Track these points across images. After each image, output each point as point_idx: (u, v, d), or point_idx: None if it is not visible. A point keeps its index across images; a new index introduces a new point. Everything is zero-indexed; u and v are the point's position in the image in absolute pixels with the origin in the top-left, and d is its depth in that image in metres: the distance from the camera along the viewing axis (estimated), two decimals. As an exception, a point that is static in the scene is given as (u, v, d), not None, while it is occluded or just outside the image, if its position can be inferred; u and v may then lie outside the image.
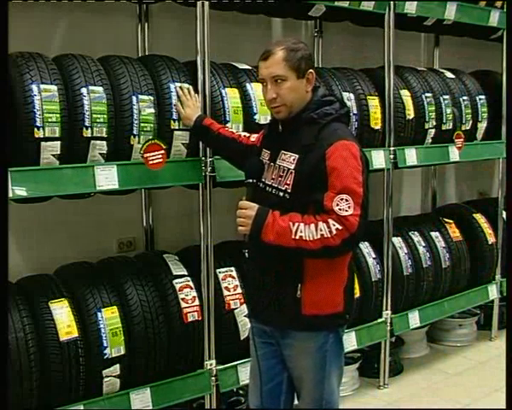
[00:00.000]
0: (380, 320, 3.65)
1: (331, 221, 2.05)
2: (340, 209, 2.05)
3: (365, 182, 2.13)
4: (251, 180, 2.29)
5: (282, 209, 2.13)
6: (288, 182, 2.17)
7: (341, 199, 2.06)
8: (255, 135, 2.57)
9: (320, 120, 2.19)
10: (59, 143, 2.42)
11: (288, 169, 2.18)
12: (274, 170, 2.24)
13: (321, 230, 2.05)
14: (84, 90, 2.48)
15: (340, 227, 2.04)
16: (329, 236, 2.04)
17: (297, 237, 2.06)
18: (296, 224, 2.07)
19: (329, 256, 2.13)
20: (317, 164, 2.11)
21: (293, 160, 2.18)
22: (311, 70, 2.23)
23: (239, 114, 2.91)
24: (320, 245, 2.05)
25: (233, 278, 3.02)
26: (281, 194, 2.19)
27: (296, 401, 2.43)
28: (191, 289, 2.85)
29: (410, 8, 3.60)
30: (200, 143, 2.82)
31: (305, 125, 2.20)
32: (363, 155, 2.19)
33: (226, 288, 2.98)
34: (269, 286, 2.25)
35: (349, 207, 2.05)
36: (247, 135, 2.62)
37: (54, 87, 2.42)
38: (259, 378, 2.40)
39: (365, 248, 3.61)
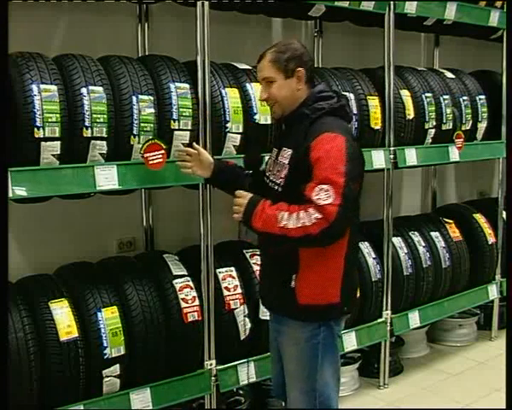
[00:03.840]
0: (380, 320, 3.65)
1: (311, 210, 2.09)
2: (318, 199, 2.09)
3: (351, 173, 2.12)
4: (246, 171, 2.51)
5: (278, 201, 2.21)
6: (282, 176, 2.27)
7: (321, 189, 2.10)
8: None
9: (311, 115, 2.25)
10: (59, 143, 2.42)
11: (284, 164, 2.27)
12: (275, 166, 2.34)
13: (302, 218, 2.10)
14: (84, 90, 2.48)
15: (319, 216, 2.08)
16: (309, 224, 2.09)
17: (281, 225, 2.13)
18: (282, 212, 2.15)
19: (312, 245, 2.18)
20: (304, 157, 2.17)
21: (288, 155, 2.27)
22: (299, 68, 2.28)
23: (239, 114, 2.91)
24: (302, 233, 2.10)
25: (233, 278, 3.02)
26: (276, 187, 2.29)
27: None
28: (191, 289, 2.85)
29: (410, 8, 3.60)
30: (201, 144, 2.82)
31: (299, 120, 2.27)
32: (355, 147, 2.21)
33: (226, 288, 2.98)
34: (269, 274, 2.39)
35: (328, 196, 2.09)
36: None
37: (54, 87, 2.42)
38: (272, 360, 2.54)
39: (365, 248, 3.61)
